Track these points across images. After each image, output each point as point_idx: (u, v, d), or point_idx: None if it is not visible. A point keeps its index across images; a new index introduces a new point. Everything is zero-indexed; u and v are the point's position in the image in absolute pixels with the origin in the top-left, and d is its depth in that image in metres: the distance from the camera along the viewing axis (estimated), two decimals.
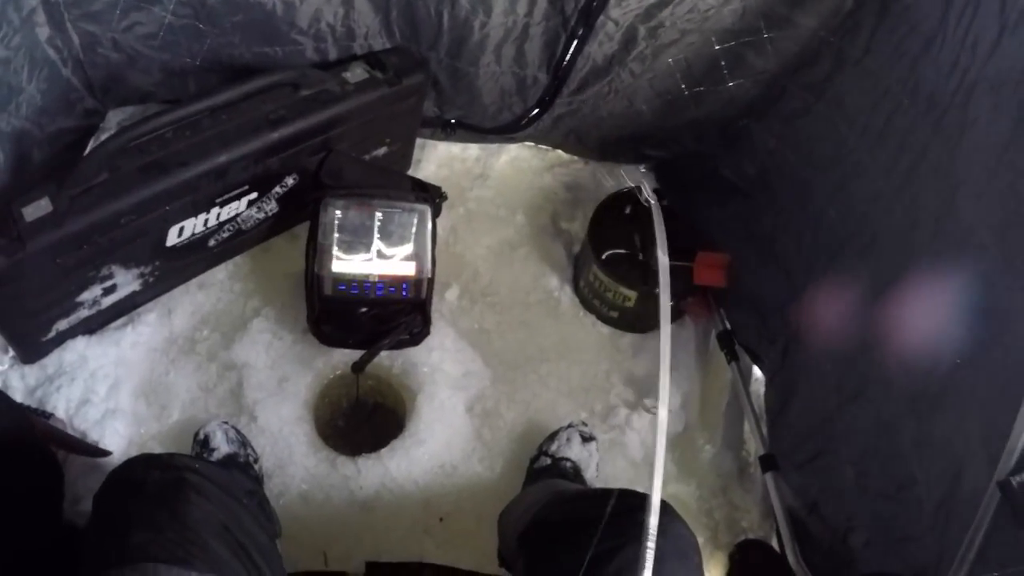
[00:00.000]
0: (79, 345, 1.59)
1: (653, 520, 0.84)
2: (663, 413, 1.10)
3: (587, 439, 1.60)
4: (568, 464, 1.53)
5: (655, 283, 1.73)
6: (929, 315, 1.20)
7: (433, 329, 1.71)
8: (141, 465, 1.05)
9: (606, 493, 1.11)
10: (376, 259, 1.58)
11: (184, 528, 0.94)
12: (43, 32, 1.47)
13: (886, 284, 1.31)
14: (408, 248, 1.59)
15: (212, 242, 1.66)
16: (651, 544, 0.97)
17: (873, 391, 1.32)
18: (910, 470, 1.19)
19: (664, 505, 1.07)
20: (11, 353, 1.57)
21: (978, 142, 1.15)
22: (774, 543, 1.59)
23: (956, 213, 1.17)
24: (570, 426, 1.61)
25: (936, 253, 1.21)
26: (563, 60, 1.66)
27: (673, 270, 1.77)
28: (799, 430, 1.51)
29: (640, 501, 1.06)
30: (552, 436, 1.61)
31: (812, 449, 1.45)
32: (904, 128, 1.32)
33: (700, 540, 1.59)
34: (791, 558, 1.46)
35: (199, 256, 1.67)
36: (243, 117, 1.52)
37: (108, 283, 1.54)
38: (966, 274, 1.13)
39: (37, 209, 1.35)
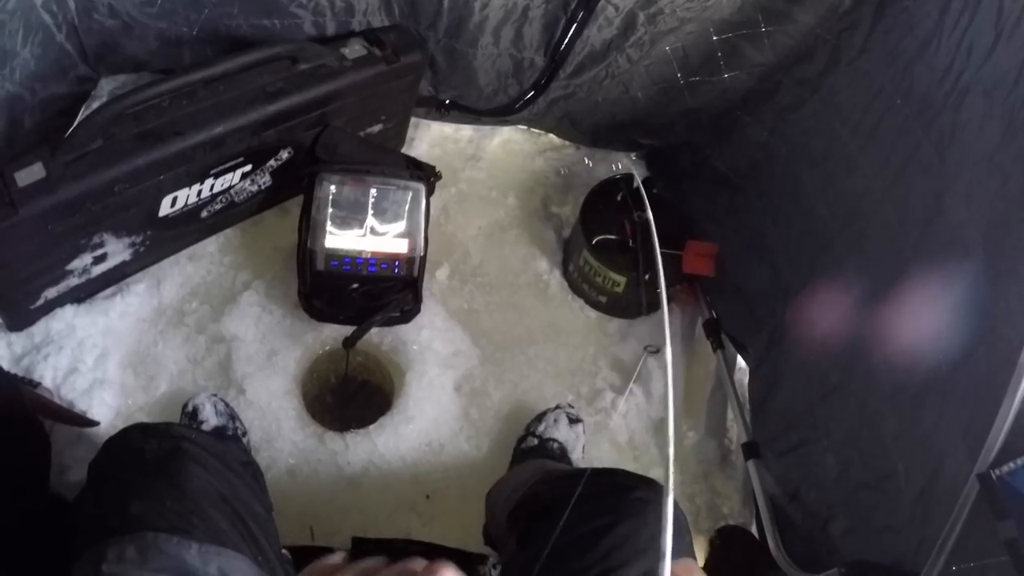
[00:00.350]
0: (67, 314, 1.60)
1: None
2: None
3: (574, 421, 1.64)
4: (555, 445, 1.58)
5: (644, 269, 1.79)
6: (914, 312, 1.26)
7: (424, 307, 1.74)
8: (138, 434, 1.05)
9: (599, 471, 1.15)
10: (369, 235, 1.60)
11: (183, 498, 0.95)
12: None
13: (873, 280, 1.37)
14: (401, 226, 1.61)
15: (204, 213, 1.67)
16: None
17: (856, 383, 1.37)
18: (891, 461, 1.24)
19: (654, 484, 1.10)
20: None
21: (969, 145, 1.19)
22: (753, 530, 1.65)
23: (945, 213, 1.22)
24: (557, 407, 1.66)
25: (924, 252, 1.26)
26: (561, 43, 1.68)
27: (664, 257, 1.82)
28: (782, 419, 1.56)
29: (633, 480, 1.10)
30: (540, 417, 1.65)
31: (795, 438, 1.51)
32: (896, 127, 1.37)
33: None
34: (772, 545, 1.51)
35: (191, 227, 1.68)
36: (241, 88, 1.53)
37: (99, 251, 1.55)
38: (952, 273, 1.17)
39: (30, 174, 1.35)
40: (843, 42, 1.50)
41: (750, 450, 1.62)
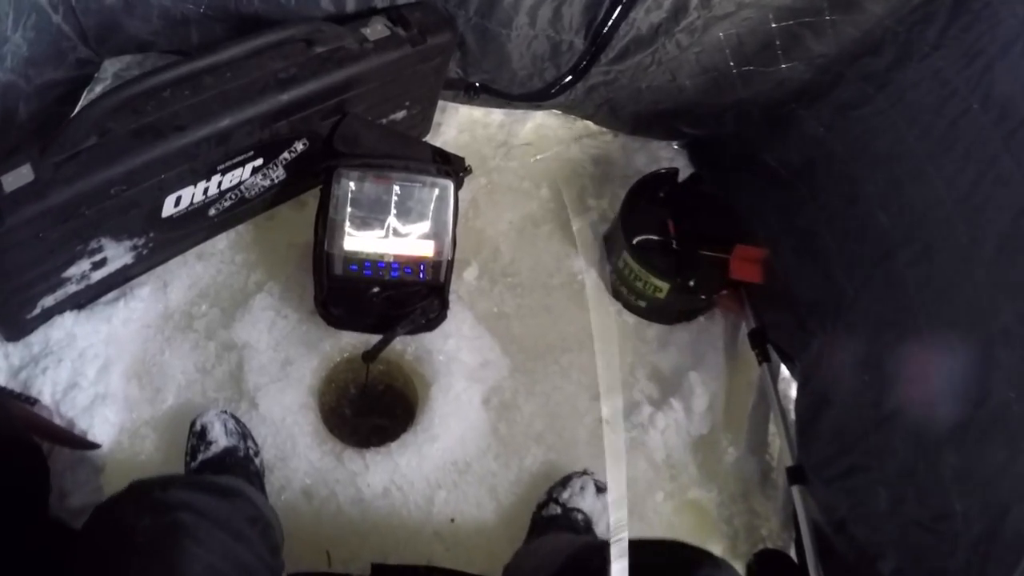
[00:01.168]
0: (67, 321, 1.57)
1: None
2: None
3: (602, 490, 1.59)
4: (579, 516, 1.53)
5: (689, 275, 1.75)
6: (983, 341, 1.22)
7: (450, 312, 1.71)
8: (131, 507, 1.01)
9: (649, 544, 1.11)
10: (392, 237, 1.57)
11: None
12: None
13: (938, 300, 1.32)
14: (428, 226, 1.58)
15: (212, 211, 1.64)
16: None
17: (915, 412, 1.33)
18: (949, 501, 1.22)
19: (718, 561, 1.07)
20: None
21: None
22: (792, 553, 1.64)
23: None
24: (584, 473, 1.61)
25: (997, 274, 1.22)
26: (604, 26, 1.63)
27: (708, 261, 1.79)
28: (831, 442, 1.53)
29: (693, 555, 1.07)
30: (564, 482, 1.60)
31: (844, 465, 1.48)
32: (971, 135, 1.31)
33: (718, 549, 1.66)
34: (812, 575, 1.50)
35: (198, 226, 1.65)
36: (249, 76, 1.49)
37: (97, 257, 1.52)
38: None
39: (17, 178, 1.31)
40: (915, 36, 1.44)
41: (795, 475, 1.59)
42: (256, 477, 1.48)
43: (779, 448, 1.71)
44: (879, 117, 1.53)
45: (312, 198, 1.62)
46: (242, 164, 1.57)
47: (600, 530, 1.56)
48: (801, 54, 1.59)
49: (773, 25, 1.56)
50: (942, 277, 1.34)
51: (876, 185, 1.52)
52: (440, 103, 1.89)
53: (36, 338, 1.56)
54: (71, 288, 1.54)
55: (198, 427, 1.49)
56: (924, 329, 1.35)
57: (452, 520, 1.58)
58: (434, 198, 1.57)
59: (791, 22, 1.55)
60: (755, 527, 1.68)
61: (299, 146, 1.63)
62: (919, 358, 1.34)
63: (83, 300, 1.60)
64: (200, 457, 1.45)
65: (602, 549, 1.17)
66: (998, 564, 1.09)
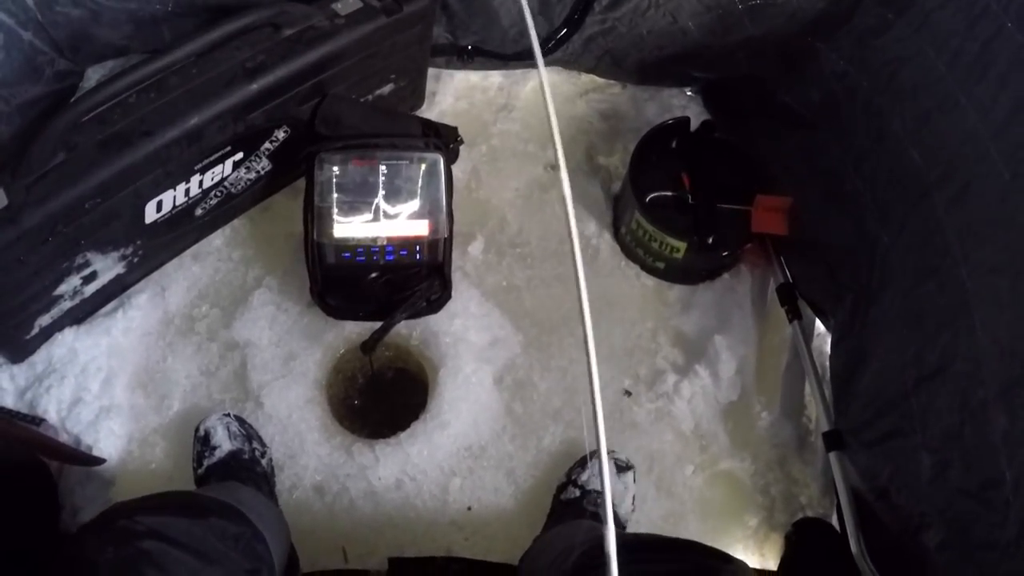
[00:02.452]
0: (67, 337, 1.52)
1: None
2: None
3: (623, 468, 1.47)
4: (599, 498, 1.41)
5: (708, 232, 1.58)
6: None
7: (455, 291, 1.59)
8: (94, 537, 0.94)
9: (668, 545, 1.02)
10: (383, 220, 1.44)
11: None
12: None
13: (979, 245, 1.15)
14: (420, 204, 1.45)
15: (199, 211, 1.54)
16: None
17: (959, 369, 1.17)
18: (998, 467, 1.07)
19: (739, 564, 0.96)
20: None
21: None
22: (834, 520, 1.49)
23: None
24: None
25: None
26: None
27: (730, 214, 1.62)
28: (870, 403, 1.38)
29: (714, 560, 0.96)
30: (583, 462, 1.48)
31: (884, 428, 1.32)
32: (1007, 58, 1.13)
33: (755, 521, 1.52)
34: (854, 547, 1.36)
35: (186, 228, 1.56)
36: (216, 69, 1.37)
37: (86, 271, 1.45)
38: None
39: None
40: None
41: (833, 440, 1.44)
42: (263, 479, 1.41)
43: (816, 410, 1.55)
44: (903, 44, 1.34)
45: None
46: (221, 160, 1.46)
47: (623, 511, 1.45)
48: None
49: None
50: (983, 220, 1.16)
51: (905, 120, 1.33)
52: (433, 71, 1.74)
53: (39, 357, 1.51)
54: (66, 304, 1.48)
55: (201, 432, 1.42)
56: (966, 277, 1.18)
57: (469, 508, 1.48)
58: (424, 174, 1.44)
59: None
60: (793, 495, 1.53)
61: (280, 134, 1.52)
62: (963, 309, 1.18)
63: (81, 314, 1.54)
64: (205, 463, 1.39)
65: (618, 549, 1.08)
66: None
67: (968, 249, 1.17)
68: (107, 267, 1.48)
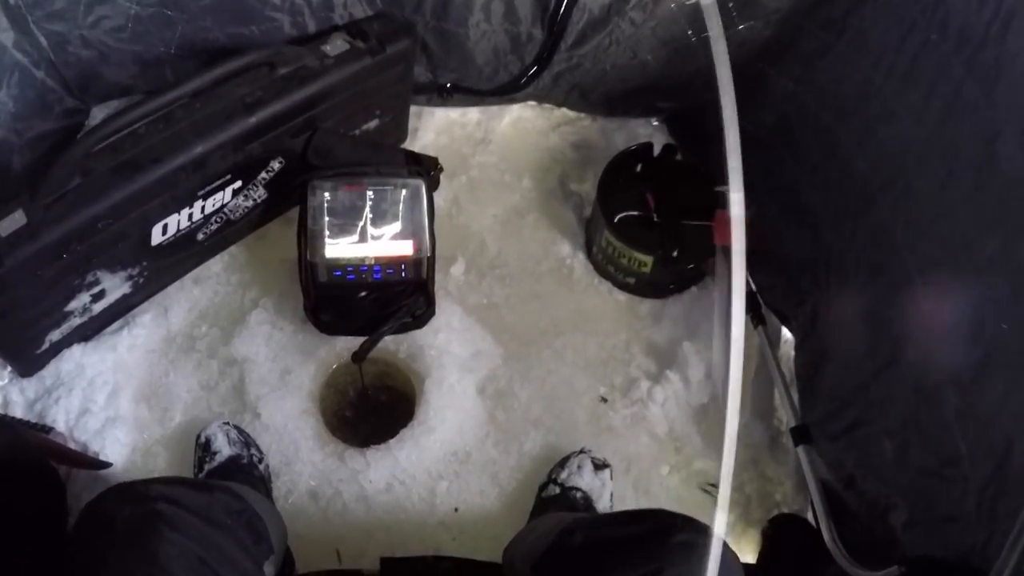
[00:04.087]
0: (75, 353, 1.53)
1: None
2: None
3: (600, 467, 1.47)
4: (578, 494, 1.42)
5: (672, 246, 1.62)
6: (970, 275, 1.07)
7: (439, 308, 1.61)
8: (113, 499, 0.98)
9: (635, 513, 1.03)
10: (371, 241, 1.47)
11: (155, 567, 0.88)
12: (8, 37, 1.40)
13: (922, 240, 1.18)
14: (404, 226, 1.48)
15: (200, 236, 1.57)
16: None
17: (910, 356, 1.19)
18: (954, 444, 1.07)
19: (699, 524, 0.97)
20: (9, 368, 1.51)
21: (1019, 80, 1.00)
22: (810, 516, 1.48)
23: (997, 163, 1.03)
24: (582, 452, 1.49)
25: (976, 206, 1.07)
26: (557, 14, 1.50)
27: (692, 230, 1.65)
28: (832, 398, 1.39)
29: (675, 521, 0.97)
30: (563, 462, 1.49)
31: (847, 419, 1.33)
32: (934, 67, 1.17)
33: (731, 518, 1.51)
34: (826, 536, 1.35)
35: (188, 252, 1.59)
36: (217, 104, 1.42)
37: (95, 289, 1.47)
38: (1011, 229, 1.00)
39: (11, 223, 1.27)
40: None
41: (800, 435, 1.45)
42: (261, 483, 1.42)
43: (786, 413, 1.55)
44: (843, 63, 1.39)
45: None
46: (222, 188, 1.50)
47: (601, 506, 1.44)
48: (756, 12, 1.44)
49: None
50: (923, 216, 1.19)
51: (850, 132, 1.38)
52: (415, 108, 1.79)
53: (48, 372, 1.52)
54: (75, 321, 1.50)
55: (202, 439, 1.43)
56: (913, 272, 1.20)
57: (456, 509, 1.48)
58: (407, 198, 1.47)
59: None
60: (768, 493, 1.53)
61: (275, 165, 1.55)
62: (911, 301, 1.20)
63: (89, 332, 1.55)
64: (206, 467, 1.40)
65: (584, 523, 1.08)
66: (1008, 501, 0.96)
67: (913, 244, 1.20)
68: (115, 286, 1.50)
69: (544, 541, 1.09)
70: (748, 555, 1.48)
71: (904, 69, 1.23)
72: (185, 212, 1.48)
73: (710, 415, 1.59)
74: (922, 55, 1.19)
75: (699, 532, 0.94)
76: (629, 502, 1.49)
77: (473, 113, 1.88)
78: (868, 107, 1.32)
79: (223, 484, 1.10)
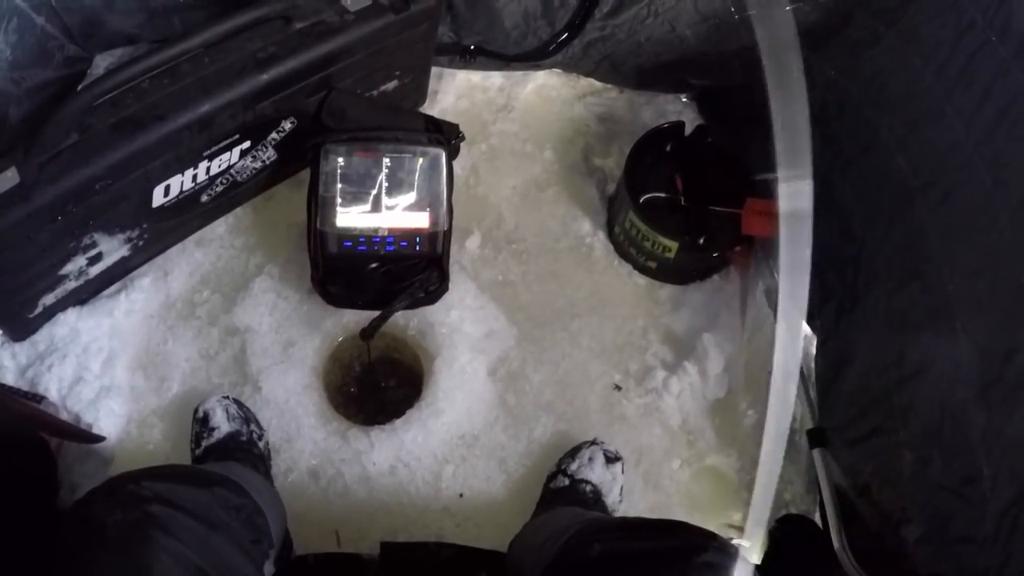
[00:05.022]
0: (70, 317, 1.53)
1: None
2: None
3: (612, 460, 1.48)
4: (588, 488, 1.43)
5: (699, 233, 1.62)
6: (1008, 293, 1.08)
7: (452, 283, 1.61)
8: (102, 501, 0.95)
9: (655, 525, 1.03)
10: (385, 211, 1.47)
11: None
12: None
13: (959, 250, 1.18)
14: (421, 197, 1.47)
15: (205, 197, 1.56)
16: None
17: (940, 369, 1.20)
18: (977, 464, 1.09)
19: (725, 544, 0.97)
20: (0, 332, 1.51)
21: None
22: (817, 518, 1.51)
23: None
24: (594, 443, 1.50)
25: (1021, 221, 1.07)
26: None
27: (721, 217, 1.65)
28: (853, 403, 1.41)
29: (700, 539, 0.97)
30: (574, 452, 1.50)
31: (867, 426, 1.35)
32: (990, 71, 1.15)
33: (738, 517, 1.54)
34: (835, 542, 1.38)
35: (192, 214, 1.58)
36: (228, 59, 1.39)
37: (92, 252, 1.46)
38: None
39: (3, 182, 1.25)
40: None
41: (816, 437, 1.47)
42: (260, 460, 1.43)
43: (801, 410, 1.58)
44: (892, 55, 1.38)
45: (308, 176, 1.54)
46: (229, 148, 1.48)
47: (611, 500, 1.47)
48: None
49: None
50: (965, 225, 1.19)
51: (892, 129, 1.37)
52: (436, 69, 1.77)
53: (41, 336, 1.52)
54: (70, 284, 1.49)
55: (200, 414, 1.43)
56: (947, 281, 1.21)
57: (461, 495, 1.50)
58: (425, 168, 1.46)
59: None
60: (777, 492, 1.55)
61: (287, 125, 1.54)
62: (944, 313, 1.20)
63: (84, 295, 1.55)
64: (204, 444, 1.40)
65: (599, 530, 1.07)
66: None
67: (950, 253, 1.20)
68: (113, 249, 1.49)
69: (554, 544, 1.09)
70: (754, 555, 1.51)
71: (958, 69, 1.22)
72: (189, 173, 1.47)
73: (725, 410, 1.61)
74: (979, 56, 1.17)
75: (726, 553, 0.94)
76: (638, 496, 1.52)
77: (496, 78, 1.86)
78: (914, 104, 1.31)
79: (222, 475, 1.08)
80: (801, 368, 1.58)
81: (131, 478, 0.98)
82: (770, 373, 1.59)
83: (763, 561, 1.54)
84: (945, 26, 1.25)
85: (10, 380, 1.48)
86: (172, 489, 0.97)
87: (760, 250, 1.68)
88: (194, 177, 1.48)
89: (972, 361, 1.14)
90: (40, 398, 1.45)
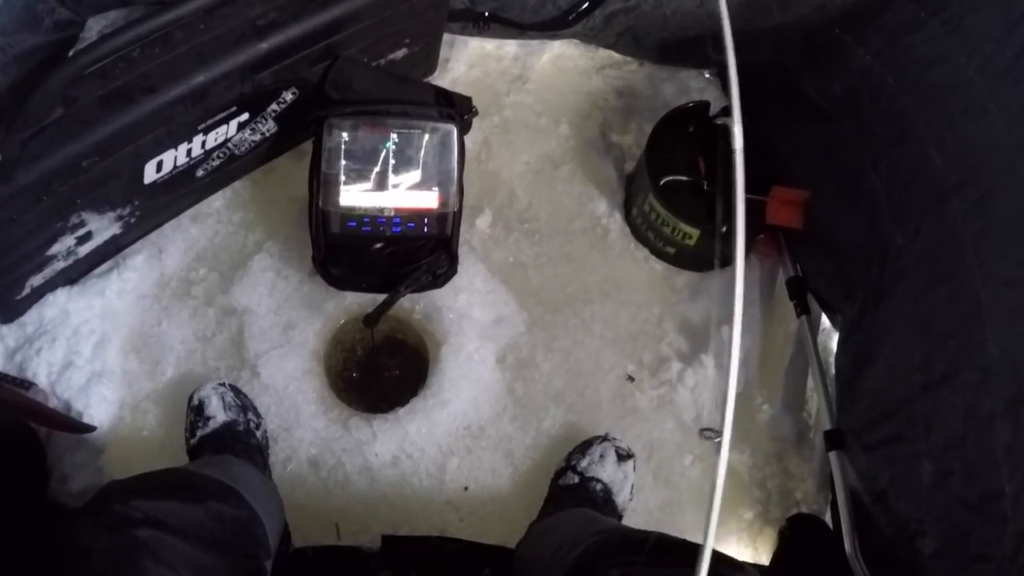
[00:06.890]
0: (60, 298, 1.53)
1: None
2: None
3: (623, 457, 1.50)
4: (598, 486, 1.44)
5: (723, 220, 1.60)
6: None
7: (461, 265, 1.61)
8: (89, 524, 0.95)
9: (678, 548, 1.03)
10: (392, 190, 1.46)
11: None
12: None
13: (994, 255, 1.19)
14: (430, 176, 1.46)
15: (200, 172, 1.54)
16: None
17: (967, 379, 1.21)
18: (999, 481, 1.11)
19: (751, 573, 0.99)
20: None
21: None
22: (827, 518, 1.54)
23: None
24: (605, 439, 1.51)
25: None
26: None
27: (745, 204, 1.63)
28: (873, 406, 1.42)
29: (726, 568, 0.99)
30: (584, 448, 1.51)
31: (887, 431, 1.37)
32: None
33: (750, 515, 1.57)
34: (848, 547, 1.41)
35: (186, 189, 1.56)
36: (225, 26, 1.36)
37: (81, 231, 1.45)
38: None
39: None
40: None
41: (833, 439, 1.48)
42: (257, 451, 1.44)
43: (817, 406, 1.60)
44: (934, 44, 1.36)
45: (311, 148, 1.52)
46: (225, 121, 1.47)
47: (621, 500, 1.49)
48: None
49: None
50: (1002, 231, 1.19)
51: (929, 121, 1.35)
52: (447, 37, 1.74)
53: (30, 318, 1.52)
54: (59, 265, 1.48)
55: (195, 402, 1.44)
56: (980, 288, 1.21)
57: (466, 488, 1.52)
58: (435, 144, 1.45)
59: None
60: (789, 490, 1.58)
61: (288, 96, 1.52)
62: (974, 320, 1.21)
63: (74, 275, 1.55)
64: (199, 433, 1.42)
65: (617, 549, 1.08)
66: None
67: (984, 258, 1.20)
68: (103, 227, 1.48)
69: (566, 556, 1.10)
70: (764, 555, 1.54)
71: (1004, 65, 1.21)
72: (183, 147, 1.45)
73: (740, 404, 1.61)
74: None
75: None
76: (648, 491, 1.55)
77: (511, 46, 1.83)
78: (955, 98, 1.30)
79: (218, 482, 1.08)
80: (821, 363, 1.60)
81: (120, 495, 0.99)
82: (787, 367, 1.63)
83: (772, 560, 1.58)
84: (994, 18, 1.24)
85: None
86: (162, 507, 0.97)
87: (784, 241, 1.68)
88: (188, 152, 1.47)
89: (1002, 374, 1.15)
90: (28, 384, 1.45)
